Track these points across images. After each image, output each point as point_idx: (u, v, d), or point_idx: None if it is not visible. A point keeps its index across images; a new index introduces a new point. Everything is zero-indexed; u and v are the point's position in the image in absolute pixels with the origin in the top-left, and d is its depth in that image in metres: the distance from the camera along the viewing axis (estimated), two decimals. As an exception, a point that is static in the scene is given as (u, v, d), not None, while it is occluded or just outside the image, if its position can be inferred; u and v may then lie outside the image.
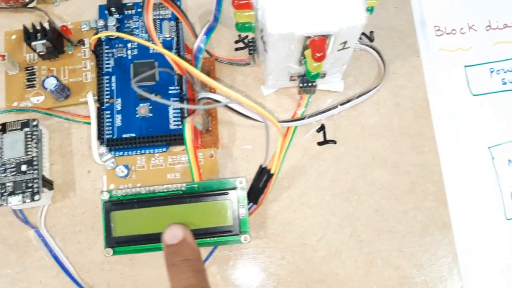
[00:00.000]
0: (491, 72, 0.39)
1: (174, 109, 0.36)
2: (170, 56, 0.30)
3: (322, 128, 0.37)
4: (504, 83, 0.39)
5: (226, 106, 0.33)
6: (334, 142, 0.37)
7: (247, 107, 0.28)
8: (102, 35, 0.34)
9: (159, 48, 0.30)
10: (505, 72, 0.39)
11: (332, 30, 0.28)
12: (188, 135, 0.32)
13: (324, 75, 0.35)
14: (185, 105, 0.35)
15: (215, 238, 0.33)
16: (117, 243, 0.32)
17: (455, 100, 0.38)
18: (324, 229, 0.35)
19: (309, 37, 0.28)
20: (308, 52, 0.30)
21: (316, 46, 0.28)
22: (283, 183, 0.36)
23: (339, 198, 0.36)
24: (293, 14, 0.28)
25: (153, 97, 0.29)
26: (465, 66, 0.39)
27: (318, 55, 0.28)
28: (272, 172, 0.32)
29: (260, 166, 0.32)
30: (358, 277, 0.34)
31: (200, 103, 0.34)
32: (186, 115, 0.36)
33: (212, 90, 0.35)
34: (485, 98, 0.38)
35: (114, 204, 0.32)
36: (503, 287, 0.35)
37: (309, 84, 0.35)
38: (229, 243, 0.33)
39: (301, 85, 0.35)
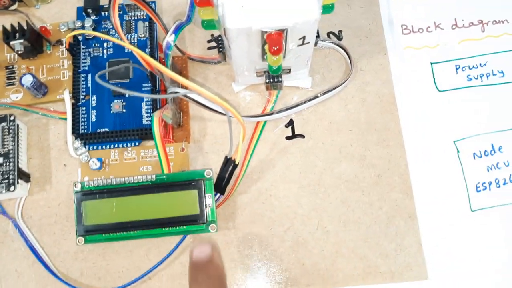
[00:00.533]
0: (457, 68, 0.40)
1: (147, 105, 0.38)
2: (137, 52, 0.31)
3: (290, 123, 0.38)
4: (470, 79, 0.40)
5: (194, 100, 0.34)
6: (302, 136, 0.38)
7: (206, 98, 0.29)
8: (75, 33, 0.36)
9: (126, 44, 0.32)
10: (470, 69, 0.40)
11: (286, 24, 0.29)
12: (156, 127, 0.33)
13: (289, 71, 0.36)
14: (148, 95, 0.36)
15: (184, 227, 0.34)
16: (88, 231, 0.33)
17: (422, 95, 0.40)
18: (291, 220, 0.36)
19: (266, 31, 0.30)
20: (267, 47, 0.31)
21: (272, 40, 0.30)
22: (252, 176, 0.37)
23: (307, 190, 0.37)
24: (250, 9, 0.29)
25: (112, 86, 0.30)
26: (432, 63, 0.40)
27: (275, 48, 0.30)
28: (236, 162, 0.33)
29: (226, 157, 0.33)
30: (325, 266, 0.35)
31: (169, 98, 0.35)
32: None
33: (182, 86, 0.36)
34: (451, 93, 0.40)
35: (85, 194, 0.33)
36: (468, 277, 0.35)
37: (275, 80, 0.36)
38: (197, 232, 0.34)
39: (267, 80, 0.36)
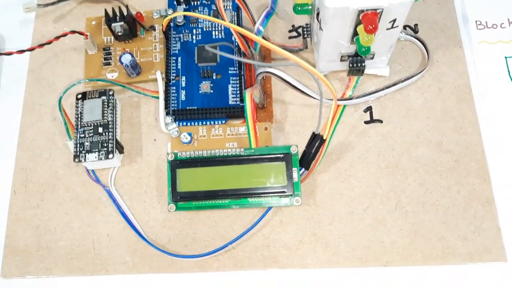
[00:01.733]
0: (532, 62, 0.41)
1: (233, 86, 0.40)
2: (232, 26, 0.34)
3: (369, 108, 0.40)
4: (545, 73, 0.41)
5: (282, 79, 0.36)
6: (380, 121, 0.40)
7: (303, 68, 0.31)
8: (175, 14, 0.39)
9: (225, 22, 0.34)
10: (545, 63, 0.41)
11: (383, 4, 0.31)
12: (248, 103, 0.36)
13: (373, 56, 0.38)
14: (252, 61, 0.38)
15: (269, 198, 0.35)
16: (181, 198, 0.35)
17: (497, 87, 0.41)
18: (370, 199, 0.37)
19: (362, 11, 0.32)
20: (360, 27, 0.33)
21: (368, 19, 0.32)
22: (332, 157, 0.39)
23: (385, 172, 0.38)
24: (349, -10, 0.32)
25: (219, 52, 0.33)
26: (506, 57, 0.42)
27: (370, 27, 0.32)
28: (324, 138, 0.34)
29: (313, 133, 0.35)
30: (403, 245, 0.36)
31: (258, 79, 0.37)
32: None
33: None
34: (526, 86, 0.41)
35: (180, 162, 0.35)
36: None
37: (358, 65, 0.38)
38: (282, 204, 0.36)
39: (350, 65, 0.38)
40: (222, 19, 0.37)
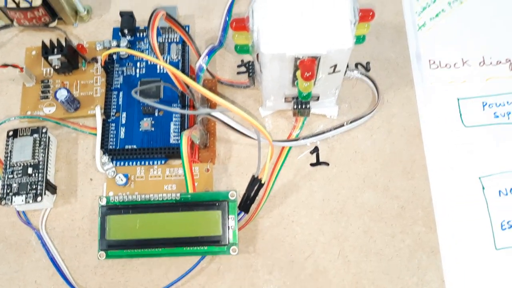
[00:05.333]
0: (484, 105, 0.40)
1: (175, 125, 0.38)
2: (170, 69, 0.32)
3: (315, 150, 0.39)
4: (497, 117, 0.40)
5: (222, 121, 0.35)
6: (327, 164, 0.38)
7: (238, 116, 0.30)
8: (113, 51, 0.37)
9: (161, 62, 0.33)
10: (497, 106, 0.40)
11: (320, 52, 0.30)
12: (184, 146, 0.34)
13: (317, 98, 0.37)
14: (182, 111, 0.37)
15: (204, 248, 0.34)
16: (110, 246, 0.33)
17: (448, 130, 0.40)
18: (312, 248, 0.36)
19: (299, 58, 0.30)
20: (298, 73, 0.31)
21: (305, 66, 0.30)
22: (275, 201, 0.37)
23: (329, 218, 0.37)
24: (285, 36, 0.30)
25: (147, 101, 0.31)
26: (458, 99, 0.41)
27: (307, 74, 0.30)
28: (263, 181, 0.33)
29: (253, 176, 0.33)
30: (344, 297, 0.35)
31: (198, 118, 0.36)
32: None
33: (211, 107, 0.37)
34: (477, 129, 0.40)
35: (110, 209, 0.34)
36: (491, 317, 0.34)
37: (303, 106, 0.36)
38: (217, 253, 0.34)
39: (295, 106, 0.37)
40: (161, 56, 0.36)
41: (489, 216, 0.37)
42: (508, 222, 0.37)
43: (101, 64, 0.39)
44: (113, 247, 0.33)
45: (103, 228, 0.33)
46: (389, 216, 0.37)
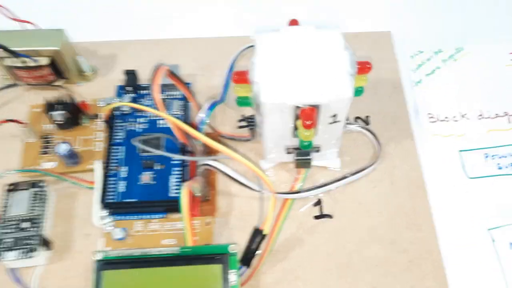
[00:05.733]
0: (486, 157, 0.40)
1: (176, 178, 0.38)
2: (171, 120, 0.33)
3: (318, 202, 0.38)
4: (500, 168, 0.40)
5: (223, 172, 0.34)
6: (330, 216, 0.37)
7: (240, 168, 0.30)
8: (115, 105, 0.37)
9: (162, 113, 0.33)
10: (500, 158, 0.40)
11: (320, 101, 0.30)
12: (184, 198, 0.33)
13: (318, 149, 0.36)
14: (182, 156, 0.36)
15: (204, 305, 0.32)
16: (105, 305, 0.31)
17: (451, 182, 0.39)
18: (318, 305, 0.34)
19: (299, 107, 0.31)
20: (299, 122, 0.32)
21: (306, 114, 0.30)
22: (278, 255, 0.36)
23: (335, 273, 0.35)
24: (285, 86, 0.31)
25: (149, 148, 0.31)
26: (460, 151, 0.41)
27: (308, 123, 0.30)
28: (264, 233, 0.32)
29: (254, 228, 0.32)
30: None
31: (199, 171, 0.35)
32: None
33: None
34: (481, 181, 0.39)
35: (106, 264, 0.32)
36: None
37: (305, 158, 0.36)
38: (218, 311, 0.32)
39: (297, 158, 0.36)
40: (164, 108, 0.36)
41: (502, 271, 0.35)
42: (522, 276, 0.35)
43: (104, 119, 0.39)
44: (108, 306, 0.31)
45: (98, 284, 0.32)
46: (398, 271, 0.35)
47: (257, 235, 0.32)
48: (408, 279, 0.35)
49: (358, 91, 0.34)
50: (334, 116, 0.33)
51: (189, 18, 0.49)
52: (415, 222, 0.37)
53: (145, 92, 0.42)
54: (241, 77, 0.32)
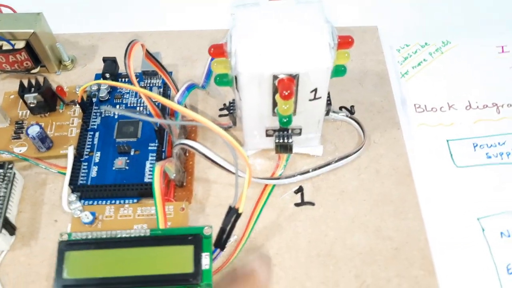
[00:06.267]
0: (475, 146, 0.39)
1: (150, 163, 0.36)
2: (145, 93, 0.31)
3: (300, 189, 0.36)
4: (489, 157, 0.38)
5: (200, 152, 0.33)
6: (312, 204, 0.36)
7: (211, 129, 0.28)
8: (89, 84, 0.36)
9: (137, 88, 0.32)
10: (488, 147, 0.39)
11: (298, 70, 0.29)
12: (156, 176, 0.31)
13: (299, 132, 0.35)
14: (152, 119, 0.35)
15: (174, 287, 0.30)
16: (66, 286, 0.29)
17: (439, 170, 0.38)
18: (298, 294, 0.32)
19: (277, 76, 0.30)
20: (277, 96, 0.30)
21: (283, 84, 0.29)
22: (256, 242, 0.34)
23: (316, 262, 0.33)
24: (262, 56, 0.30)
25: (120, 110, 0.29)
26: (448, 140, 0.39)
27: (286, 93, 0.29)
28: (240, 211, 0.30)
29: (229, 207, 0.31)
30: None
31: (174, 152, 0.34)
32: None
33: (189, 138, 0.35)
34: (470, 170, 0.38)
35: (70, 244, 0.30)
36: None
37: (285, 140, 0.35)
38: (189, 296, 0.30)
39: (277, 141, 0.35)
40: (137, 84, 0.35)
41: (492, 259, 0.33)
42: (515, 266, 0.33)
43: (77, 101, 0.38)
44: (69, 288, 0.29)
45: (60, 266, 0.30)
46: (383, 259, 0.33)
47: (232, 214, 0.30)
48: (393, 267, 0.33)
49: (341, 71, 0.32)
50: (314, 91, 0.31)
51: (172, 11, 0.49)
52: (402, 210, 0.35)
53: (124, 80, 0.41)
54: (218, 50, 0.31)
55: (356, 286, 0.32)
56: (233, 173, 0.32)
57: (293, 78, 0.30)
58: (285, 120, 0.32)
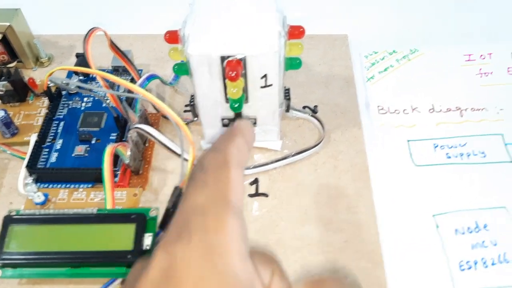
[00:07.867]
0: (435, 147, 0.39)
1: (110, 151, 0.37)
2: (101, 73, 0.32)
3: (255, 181, 0.36)
4: (449, 157, 0.38)
5: (149, 134, 0.33)
6: (266, 195, 0.36)
7: (162, 110, 0.29)
8: (55, 70, 0.37)
9: (94, 71, 0.33)
10: (449, 148, 0.39)
11: (245, 52, 0.30)
12: (106, 157, 0.32)
13: (255, 121, 0.36)
14: (104, 90, 0.35)
15: (113, 268, 0.29)
16: (7, 260, 0.29)
17: (397, 168, 0.37)
18: (241, 281, 0.31)
19: (224, 58, 0.30)
20: (227, 80, 0.31)
21: (230, 66, 0.30)
22: (206, 230, 0.34)
23: (264, 250, 0.33)
24: (212, 38, 0.31)
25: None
26: (408, 141, 0.39)
27: (232, 74, 0.30)
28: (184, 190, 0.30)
29: (175, 187, 0.31)
30: (274, 339, 0.29)
31: (128, 136, 0.34)
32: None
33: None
34: (429, 168, 0.37)
35: (14, 219, 0.30)
36: None
37: (241, 131, 0.35)
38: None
39: (232, 130, 0.35)
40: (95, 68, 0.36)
41: (445, 255, 0.33)
42: (467, 263, 0.32)
43: (43, 89, 0.39)
44: (10, 261, 0.29)
45: (3, 240, 0.30)
46: (332, 250, 0.33)
47: (177, 194, 0.30)
48: (341, 259, 0.32)
49: (296, 64, 0.33)
50: (265, 77, 0.32)
51: (149, 16, 0.51)
52: (355, 204, 0.35)
53: (95, 76, 0.43)
54: (173, 36, 0.32)
55: (300, 275, 0.31)
56: (177, 154, 0.33)
57: (240, 61, 0.30)
58: (235, 105, 0.32)
